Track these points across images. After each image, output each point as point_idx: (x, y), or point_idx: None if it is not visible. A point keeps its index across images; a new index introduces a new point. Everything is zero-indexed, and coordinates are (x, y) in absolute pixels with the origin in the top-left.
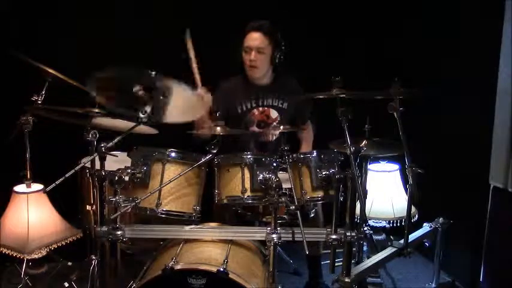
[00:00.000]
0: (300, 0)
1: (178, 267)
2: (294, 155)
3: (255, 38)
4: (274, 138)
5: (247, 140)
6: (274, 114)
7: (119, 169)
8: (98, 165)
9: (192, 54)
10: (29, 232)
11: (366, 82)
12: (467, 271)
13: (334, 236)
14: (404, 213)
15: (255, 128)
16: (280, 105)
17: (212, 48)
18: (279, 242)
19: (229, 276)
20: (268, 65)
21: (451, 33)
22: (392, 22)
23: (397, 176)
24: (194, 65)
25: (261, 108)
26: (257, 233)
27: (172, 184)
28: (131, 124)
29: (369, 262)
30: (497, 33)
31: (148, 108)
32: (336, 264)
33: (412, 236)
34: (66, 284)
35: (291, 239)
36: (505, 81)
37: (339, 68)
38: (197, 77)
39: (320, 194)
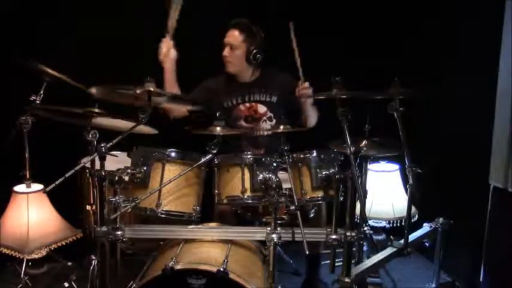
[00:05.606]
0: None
1: (178, 267)
2: (294, 155)
3: (230, 35)
4: (266, 133)
5: (238, 137)
6: (262, 109)
7: (118, 169)
8: (98, 165)
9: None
10: (29, 232)
11: (366, 82)
12: (467, 271)
13: (334, 236)
14: (404, 213)
15: (242, 123)
16: (268, 99)
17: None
18: (279, 242)
19: (229, 276)
20: (243, 61)
21: (451, 33)
22: (393, 22)
23: (397, 176)
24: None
25: (247, 104)
26: (257, 233)
27: (172, 184)
28: (131, 124)
29: (369, 262)
30: (497, 33)
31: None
32: (336, 264)
33: (412, 236)
34: (66, 284)
35: (291, 239)
36: (505, 81)
37: (339, 68)
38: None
39: (320, 194)
